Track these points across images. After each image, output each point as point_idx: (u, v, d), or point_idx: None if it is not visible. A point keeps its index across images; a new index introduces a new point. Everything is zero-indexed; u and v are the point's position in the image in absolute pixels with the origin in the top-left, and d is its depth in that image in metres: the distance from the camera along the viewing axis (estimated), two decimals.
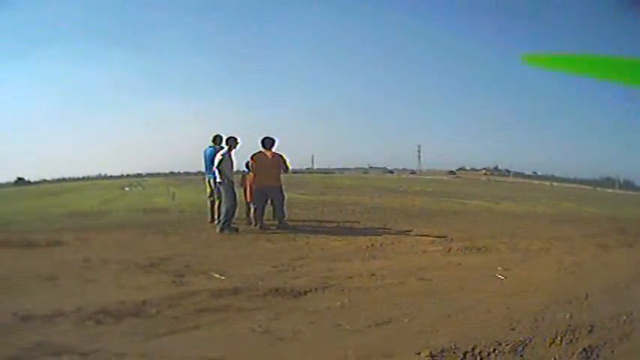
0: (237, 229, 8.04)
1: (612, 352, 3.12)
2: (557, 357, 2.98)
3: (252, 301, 4.00)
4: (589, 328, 3.49)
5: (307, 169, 71.54)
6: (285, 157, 8.66)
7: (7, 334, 3.18)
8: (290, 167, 8.93)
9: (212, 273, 4.96)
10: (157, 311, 3.65)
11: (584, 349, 3.09)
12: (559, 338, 3.28)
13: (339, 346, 3.04)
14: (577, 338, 3.30)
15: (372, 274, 5.07)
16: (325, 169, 72.47)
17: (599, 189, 42.16)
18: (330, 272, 5.14)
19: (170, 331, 3.24)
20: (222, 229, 7.89)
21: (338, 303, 4.01)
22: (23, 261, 5.66)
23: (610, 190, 41.40)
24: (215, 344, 3.05)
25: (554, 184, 49.87)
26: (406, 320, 3.61)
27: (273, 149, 8.64)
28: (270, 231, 8.21)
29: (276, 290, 4.30)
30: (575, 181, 50.09)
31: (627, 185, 44.57)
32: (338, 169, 75.62)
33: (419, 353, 2.89)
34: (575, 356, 2.99)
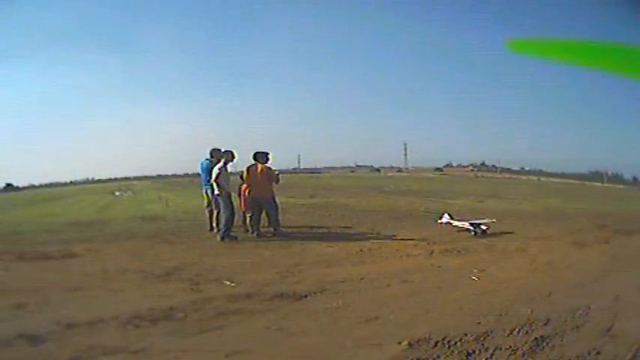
0: (236, 238, 8.61)
1: (562, 340, 3.70)
2: (512, 344, 3.59)
3: (263, 304, 4.66)
4: (545, 321, 4.08)
5: (294, 169, 71.68)
6: (274, 170, 9.30)
7: (59, 339, 3.72)
8: (280, 180, 9.52)
9: (223, 280, 5.58)
10: (185, 315, 4.29)
11: (537, 339, 3.70)
12: (517, 330, 3.89)
13: (338, 339, 3.74)
14: (533, 329, 3.90)
15: (362, 278, 5.70)
16: (312, 169, 72.64)
17: (587, 183, 42.52)
18: (325, 277, 5.77)
19: (199, 331, 3.90)
20: (222, 238, 8.46)
21: (334, 304, 4.68)
22: (46, 274, 6.10)
23: (598, 184, 41.81)
24: (239, 340, 3.71)
25: (542, 179, 50.15)
26: (391, 317, 4.29)
27: (268, 163, 9.26)
28: (266, 238, 8.78)
29: (282, 294, 4.94)
30: (563, 175, 50.26)
31: (616, 179, 44.80)
32: (325, 168, 75.87)
33: (400, 342, 3.58)
34: (527, 344, 3.60)
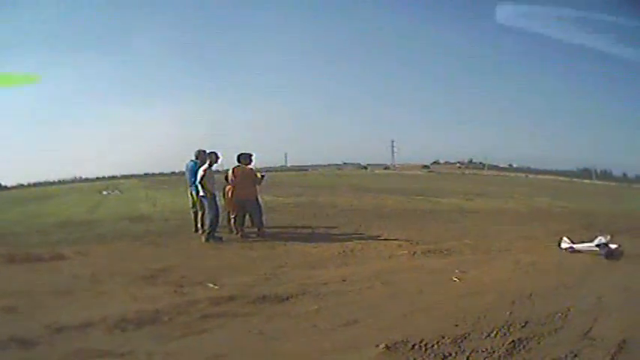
0: (221, 238, 8.71)
1: (539, 343, 3.81)
2: (489, 347, 3.71)
3: (246, 308, 4.78)
4: (523, 324, 4.21)
5: (281, 166, 71.14)
6: (256, 173, 9.44)
7: (49, 343, 3.82)
8: (264, 181, 9.59)
9: (207, 283, 5.67)
10: (169, 318, 4.40)
11: (514, 341, 3.81)
12: (494, 332, 4.01)
13: (317, 342, 3.87)
14: (510, 332, 4.02)
15: (344, 280, 5.82)
16: (299, 166, 72.17)
17: (576, 180, 42.28)
18: (307, 279, 5.88)
19: (183, 334, 4.03)
20: (207, 239, 8.57)
21: (315, 307, 4.80)
22: (37, 276, 6.20)
23: (587, 181, 41.47)
24: (222, 344, 3.84)
25: (530, 176, 49.88)
26: (370, 320, 4.42)
27: (251, 164, 9.43)
28: (251, 239, 8.88)
29: (264, 297, 5.06)
30: (551, 172, 49.73)
31: (605, 176, 44.31)
32: (312, 165, 75.36)
33: (377, 345, 3.72)
34: (504, 347, 3.71)
